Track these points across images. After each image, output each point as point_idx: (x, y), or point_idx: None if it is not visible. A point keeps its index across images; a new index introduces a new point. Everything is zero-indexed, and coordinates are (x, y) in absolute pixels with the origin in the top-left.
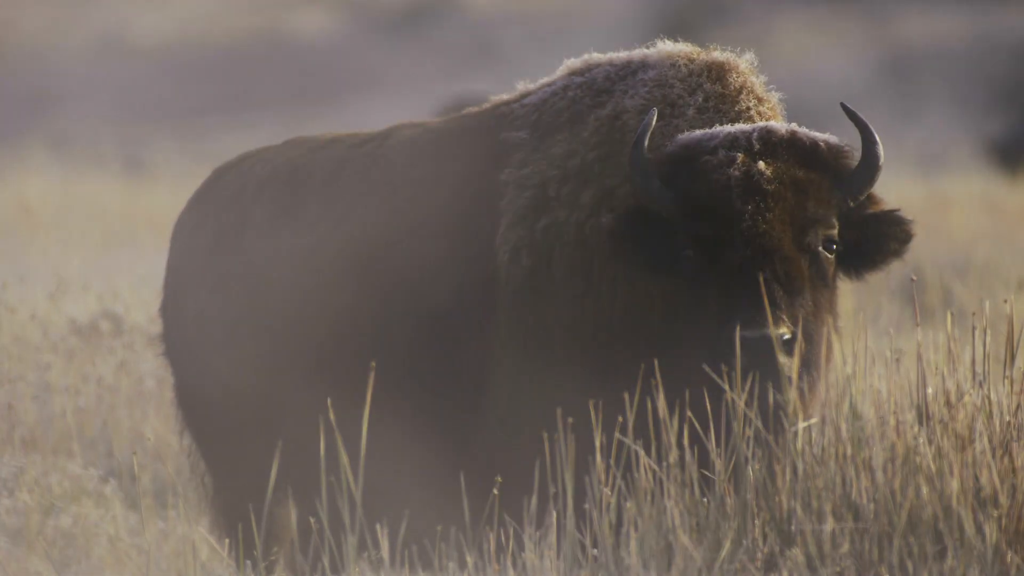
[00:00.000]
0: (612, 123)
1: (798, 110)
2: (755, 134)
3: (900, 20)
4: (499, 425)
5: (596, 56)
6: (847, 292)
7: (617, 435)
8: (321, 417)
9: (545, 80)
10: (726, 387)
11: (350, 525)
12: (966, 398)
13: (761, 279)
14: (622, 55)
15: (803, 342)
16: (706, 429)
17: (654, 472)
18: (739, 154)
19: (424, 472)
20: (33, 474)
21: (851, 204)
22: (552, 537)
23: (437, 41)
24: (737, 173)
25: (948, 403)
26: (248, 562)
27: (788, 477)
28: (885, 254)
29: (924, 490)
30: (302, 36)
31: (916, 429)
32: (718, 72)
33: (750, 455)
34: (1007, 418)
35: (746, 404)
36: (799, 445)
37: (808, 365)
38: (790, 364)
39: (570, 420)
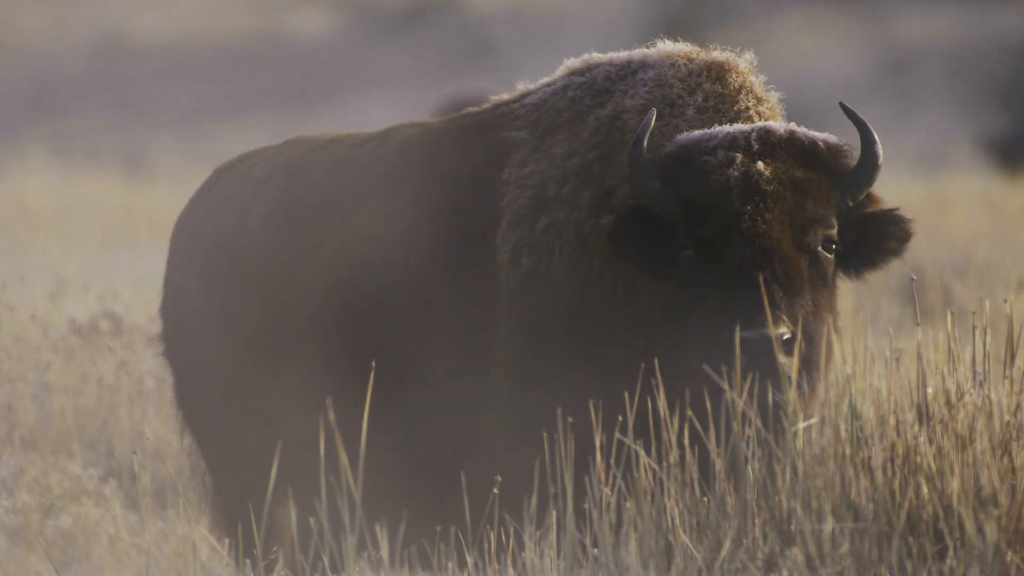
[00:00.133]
0: (612, 123)
1: (797, 110)
2: (754, 134)
3: (900, 20)
4: (499, 425)
5: (596, 56)
6: (847, 291)
7: (617, 435)
8: (321, 417)
9: (545, 80)
10: (726, 387)
11: (350, 525)
12: (966, 398)
13: (761, 279)
14: (622, 55)
15: (803, 342)
16: (706, 429)
17: (654, 472)
18: (738, 154)
19: (424, 472)
20: (33, 474)
21: (850, 204)
22: (552, 537)
23: (436, 41)
24: (736, 173)
25: (948, 403)
26: (248, 561)
27: (788, 477)
28: (884, 253)
29: (924, 490)
30: (302, 36)
31: (916, 429)
32: (717, 72)
33: (750, 455)
34: (1007, 418)
35: (746, 404)
36: (799, 445)
37: (808, 365)
38: (790, 364)
39: (570, 420)
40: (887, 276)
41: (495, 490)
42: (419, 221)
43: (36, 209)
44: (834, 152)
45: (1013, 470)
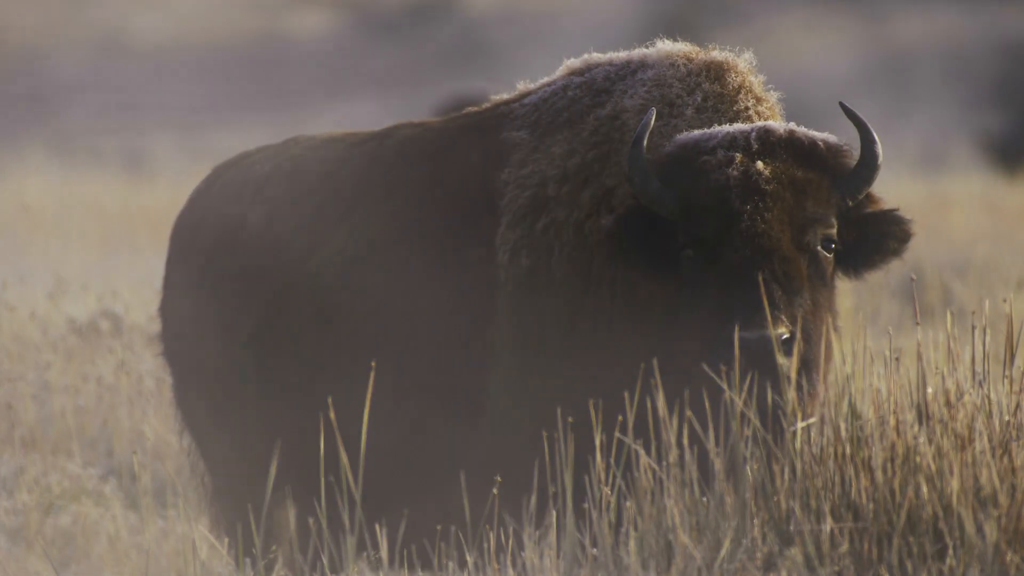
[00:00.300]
0: (611, 123)
1: (796, 109)
2: (753, 134)
3: (899, 19)
4: (499, 424)
5: (596, 56)
6: (846, 291)
7: (617, 434)
8: (321, 416)
9: (545, 80)
10: (725, 387)
11: (349, 525)
12: (966, 398)
13: (760, 279)
14: (622, 55)
15: (802, 342)
16: (705, 429)
17: (654, 471)
18: (737, 154)
19: (424, 471)
20: (33, 474)
21: (850, 203)
22: (552, 537)
23: (436, 41)
24: (736, 173)
25: (948, 403)
26: (248, 561)
27: (787, 477)
28: (884, 253)
29: (924, 490)
30: (301, 36)
31: (916, 429)
32: (717, 72)
33: (749, 455)
34: (1007, 418)
35: (745, 404)
36: (798, 445)
37: (807, 365)
38: (789, 364)
39: (570, 419)
40: (887, 276)
41: (495, 490)
42: (419, 220)
43: (36, 209)
44: (834, 152)
45: (1013, 470)
